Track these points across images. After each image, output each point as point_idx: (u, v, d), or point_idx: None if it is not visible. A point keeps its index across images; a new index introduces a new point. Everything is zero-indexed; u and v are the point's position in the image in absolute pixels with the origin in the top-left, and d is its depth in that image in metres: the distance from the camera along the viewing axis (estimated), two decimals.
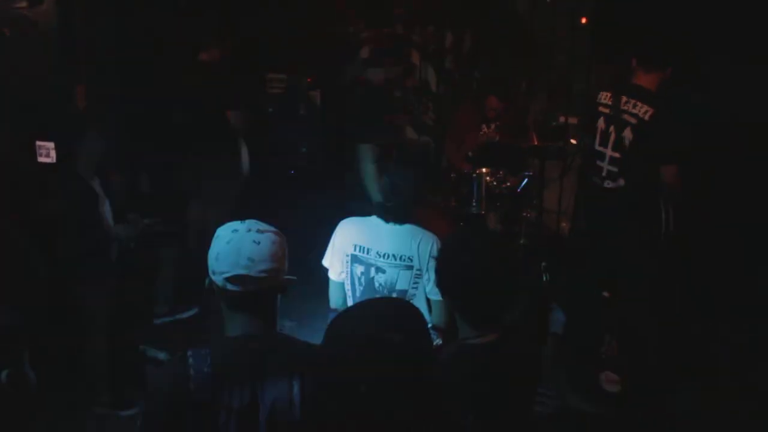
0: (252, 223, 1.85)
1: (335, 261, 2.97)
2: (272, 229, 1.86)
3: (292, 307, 4.46)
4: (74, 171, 3.86)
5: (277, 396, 1.73)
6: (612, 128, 3.71)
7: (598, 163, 3.80)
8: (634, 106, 3.63)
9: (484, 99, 5.41)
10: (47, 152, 4.01)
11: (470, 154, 5.15)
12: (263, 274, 1.78)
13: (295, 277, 1.89)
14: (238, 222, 1.86)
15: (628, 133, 3.66)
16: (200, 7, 5.09)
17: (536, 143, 5.32)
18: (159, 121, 4.87)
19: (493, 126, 5.36)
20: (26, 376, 3.43)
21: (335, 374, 1.48)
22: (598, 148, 3.79)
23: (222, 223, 1.92)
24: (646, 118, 3.59)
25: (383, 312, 1.61)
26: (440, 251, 2.20)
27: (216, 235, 1.84)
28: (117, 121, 4.68)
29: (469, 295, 1.93)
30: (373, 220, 2.91)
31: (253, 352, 1.79)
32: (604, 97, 3.76)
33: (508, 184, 4.90)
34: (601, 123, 3.76)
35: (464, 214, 4.92)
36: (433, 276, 2.86)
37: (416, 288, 2.90)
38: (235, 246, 1.78)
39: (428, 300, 2.93)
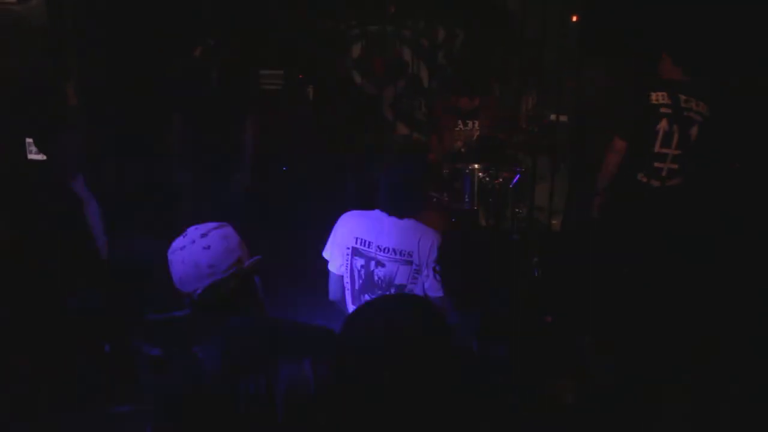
0: (193, 232, 1.87)
1: (336, 253, 2.97)
2: (213, 225, 1.90)
3: (285, 304, 4.46)
4: (50, 172, 3.85)
5: (291, 375, 1.75)
6: (676, 127, 3.76)
7: (657, 164, 3.82)
8: (697, 104, 3.75)
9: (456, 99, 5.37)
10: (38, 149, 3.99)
11: (462, 150, 5.15)
12: (230, 271, 1.82)
13: (260, 256, 1.91)
14: (180, 238, 1.88)
15: (694, 131, 3.76)
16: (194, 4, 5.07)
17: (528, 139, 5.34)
18: (151, 119, 4.84)
19: (471, 123, 5.37)
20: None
21: (357, 361, 1.48)
22: (659, 150, 3.81)
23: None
24: (708, 114, 3.75)
25: (403, 305, 1.61)
26: (443, 250, 2.20)
27: (168, 260, 1.87)
28: (109, 119, 4.66)
29: (474, 294, 1.93)
30: (376, 213, 2.91)
31: (259, 338, 1.81)
32: (660, 97, 3.77)
33: (501, 180, 4.91)
34: (663, 124, 3.77)
35: (457, 210, 4.93)
36: (432, 272, 2.88)
37: (415, 283, 2.90)
38: (191, 262, 1.81)
39: (426, 296, 2.94)
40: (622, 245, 4.05)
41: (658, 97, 3.77)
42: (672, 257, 3.92)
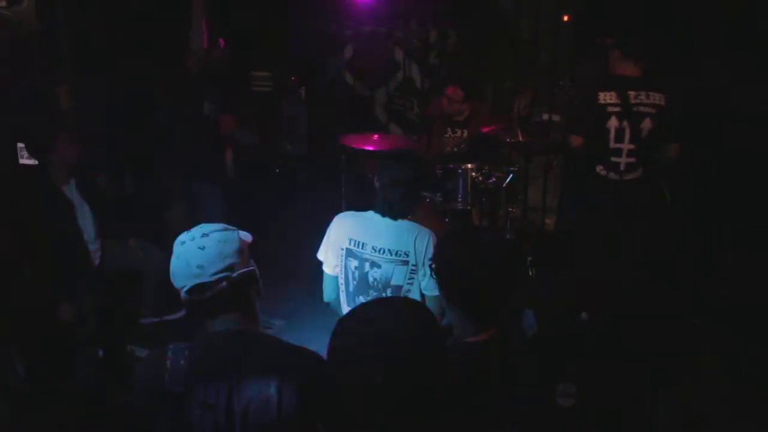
0: (197, 230, 1.86)
1: (330, 254, 2.96)
2: (218, 228, 1.87)
3: (280, 306, 4.45)
4: (45, 177, 3.83)
5: (253, 395, 1.72)
6: (626, 123, 3.83)
7: (614, 159, 3.90)
8: (648, 96, 3.82)
9: (446, 90, 5.28)
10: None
11: (455, 150, 5.15)
12: (218, 276, 1.79)
13: (253, 267, 1.89)
14: (185, 233, 1.87)
15: (646, 124, 3.84)
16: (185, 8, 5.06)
17: (521, 139, 5.33)
18: (144, 121, 4.83)
19: (460, 132, 5.36)
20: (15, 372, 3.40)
21: (346, 371, 1.46)
22: (614, 145, 3.88)
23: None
24: (664, 104, 3.81)
25: (394, 309, 1.60)
26: (439, 249, 2.19)
27: (172, 252, 1.86)
28: (102, 121, 4.64)
29: (471, 293, 1.92)
30: (370, 214, 2.90)
31: (232, 349, 1.79)
32: (608, 97, 3.84)
33: (494, 179, 4.91)
34: (613, 122, 3.85)
35: (450, 210, 4.93)
36: (428, 272, 2.87)
37: (411, 284, 2.89)
38: (183, 259, 1.81)
39: (422, 296, 2.93)
40: (585, 239, 4.17)
41: (605, 96, 3.85)
42: (632, 250, 4.02)
